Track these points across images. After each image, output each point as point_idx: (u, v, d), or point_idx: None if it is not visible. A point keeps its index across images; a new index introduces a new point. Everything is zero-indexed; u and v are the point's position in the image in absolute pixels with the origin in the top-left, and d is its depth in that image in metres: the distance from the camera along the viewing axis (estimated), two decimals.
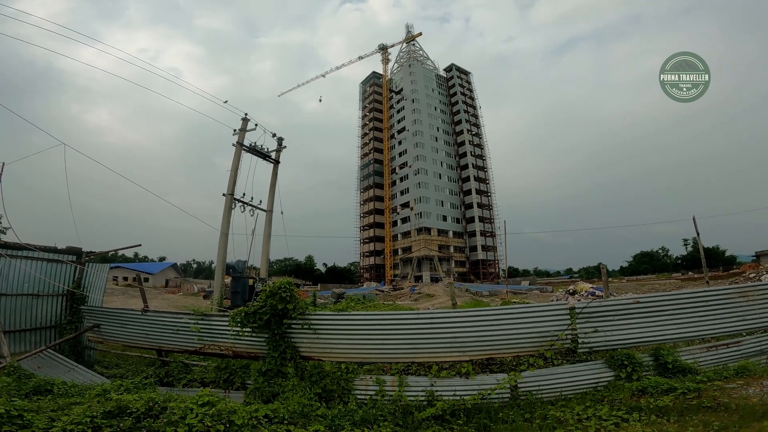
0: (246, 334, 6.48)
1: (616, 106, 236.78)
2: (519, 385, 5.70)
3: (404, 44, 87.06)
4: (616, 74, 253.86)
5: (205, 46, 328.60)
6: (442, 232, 72.78)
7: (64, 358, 7.87)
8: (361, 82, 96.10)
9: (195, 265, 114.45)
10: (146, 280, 53.89)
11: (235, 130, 17.01)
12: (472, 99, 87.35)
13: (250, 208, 17.34)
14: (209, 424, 4.15)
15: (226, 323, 6.62)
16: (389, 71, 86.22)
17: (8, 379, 5.91)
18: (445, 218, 74.81)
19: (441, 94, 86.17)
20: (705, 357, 6.05)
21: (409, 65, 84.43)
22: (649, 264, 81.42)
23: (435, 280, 61.05)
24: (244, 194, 16.91)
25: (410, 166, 75.40)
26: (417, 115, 77.69)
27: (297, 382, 5.82)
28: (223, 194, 16.18)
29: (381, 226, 78.07)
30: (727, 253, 70.96)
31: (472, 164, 78.60)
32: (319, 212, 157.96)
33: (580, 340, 5.77)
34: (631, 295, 10.70)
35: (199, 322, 7.11)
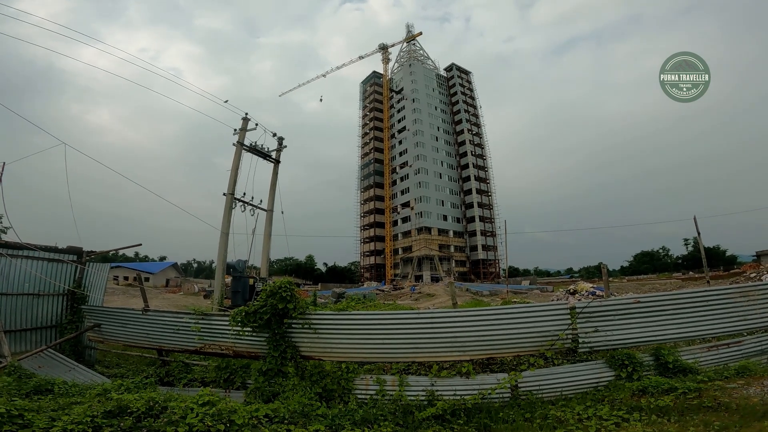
0: (246, 333, 6.48)
1: (616, 106, 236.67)
2: (519, 385, 5.69)
3: (404, 44, 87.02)
4: (616, 74, 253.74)
5: (205, 46, 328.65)
6: (442, 232, 72.76)
7: (64, 358, 7.88)
8: (362, 82, 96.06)
9: (195, 265, 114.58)
10: (147, 279, 54.00)
11: (235, 130, 17.01)
12: (473, 98, 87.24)
13: (250, 207, 17.36)
14: (210, 424, 4.15)
15: (227, 323, 6.62)
16: (390, 71, 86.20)
17: (9, 379, 5.91)
18: (445, 218, 74.78)
19: (441, 93, 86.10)
20: (706, 357, 6.04)
21: (410, 65, 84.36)
22: (649, 264, 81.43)
23: (435, 279, 61.04)
24: (244, 194, 16.93)
25: (411, 166, 75.37)
26: (417, 114, 77.64)
27: (297, 382, 5.82)
28: (224, 194, 16.20)
29: (381, 225, 78.06)
30: (728, 253, 70.97)
31: (473, 164, 78.54)
32: (320, 212, 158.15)
33: (580, 340, 5.77)
34: (632, 295, 10.69)
35: (200, 321, 7.11)
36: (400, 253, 73.22)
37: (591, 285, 27.27)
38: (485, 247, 74.23)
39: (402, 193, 76.71)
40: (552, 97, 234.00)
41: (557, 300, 22.42)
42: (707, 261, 15.38)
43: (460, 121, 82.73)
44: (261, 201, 17.92)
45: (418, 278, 63.60)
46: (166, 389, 6.33)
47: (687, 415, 4.48)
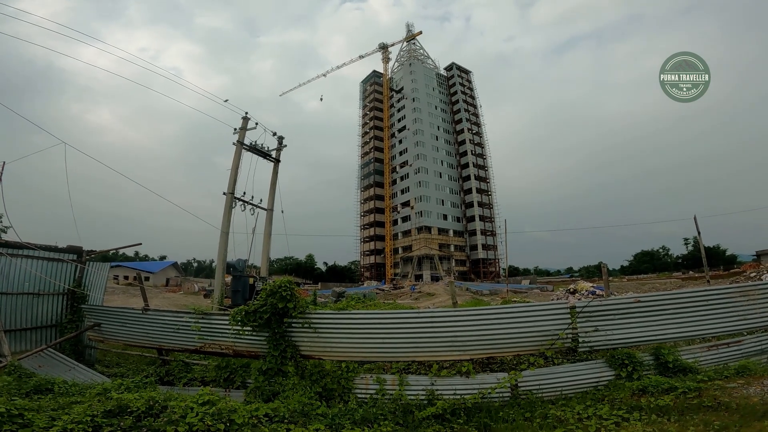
0: (246, 332, 6.48)
1: (616, 106, 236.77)
2: (519, 384, 5.69)
3: (405, 43, 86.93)
4: (616, 74, 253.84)
5: (206, 46, 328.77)
6: (442, 231, 72.76)
7: (64, 357, 7.89)
8: (362, 81, 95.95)
9: (195, 264, 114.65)
10: (147, 279, 54.04)
11: (235, 129, 16.99)
12: (473, 98, 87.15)
13: (250, 207, 17.34)
14: (209, 423, 4.16)
15: (227, 322, 6.62)
16: (390, 70, 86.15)
17: (9, 378, 5.92)
18: (445, 217, 74.77)
19: (441, 93, 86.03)
20: (705, 356, 6.04)
21: (410, 64, 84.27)
22: (649, 263, 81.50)
23: (435, 278, 61.02)
24: (244, 193, 16.91)
25: (411, 165, 75.34)
26: (417, 113, 77.59)
27: (297, 381, 5.82)
28: (224, 193, 16.18)
29: (381, 224, 78.06)
30: (728, 253, 70.98)
31: (473, 163, 78.49)
32: (320, 212, 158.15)
33: (580, 339, 5.77)
34: (632, 294, 10.69)
35: (200, 320, 7.11)
36: (400, 252, 73.22)
37: (591, 284, 27.29)
38: (485, 247, 74.22)
39: (402, 192, 76.69)
40: (552, 96, 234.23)
41: (557, 299, 22.43)
42: (707, 260, 15.37)
43: (460, 121, 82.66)
44: (261, 200, 17.93)
45: (418, 277, 63.60)
46: (166, 388, 6.33)
47: (687, 414, 4.48)
